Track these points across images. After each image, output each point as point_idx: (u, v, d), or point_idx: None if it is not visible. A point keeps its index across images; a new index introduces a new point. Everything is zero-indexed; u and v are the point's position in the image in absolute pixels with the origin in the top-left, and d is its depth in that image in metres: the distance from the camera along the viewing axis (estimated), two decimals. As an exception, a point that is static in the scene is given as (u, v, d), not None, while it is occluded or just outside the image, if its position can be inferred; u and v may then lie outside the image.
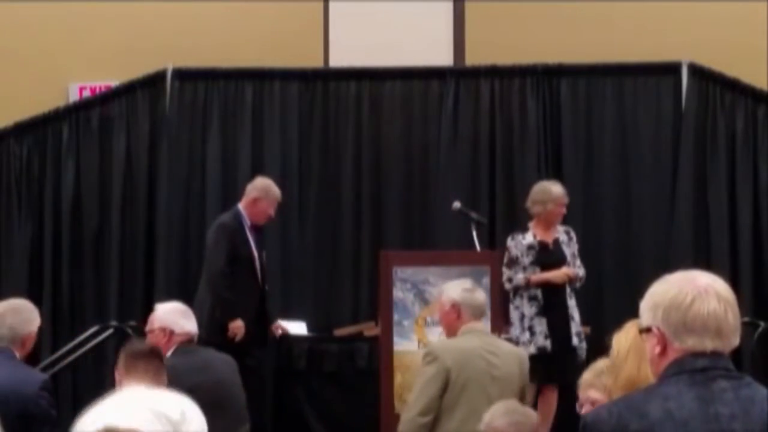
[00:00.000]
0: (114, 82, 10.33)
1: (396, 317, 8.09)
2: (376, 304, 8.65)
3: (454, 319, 6.24)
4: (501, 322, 8.49)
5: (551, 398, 8.66)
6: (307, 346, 9.54)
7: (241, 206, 9.00)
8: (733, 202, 9.97)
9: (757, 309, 9.66)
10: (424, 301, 8.16)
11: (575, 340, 8.65)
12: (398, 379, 7.97)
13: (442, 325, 6.45)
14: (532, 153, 10.10)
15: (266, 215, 9.00)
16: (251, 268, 8.86)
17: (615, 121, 10.18)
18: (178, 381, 5.58)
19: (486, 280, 8.21)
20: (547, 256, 8.71)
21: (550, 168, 10.09)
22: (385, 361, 8.04)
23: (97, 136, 10.24)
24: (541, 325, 8.61)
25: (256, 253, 8.89)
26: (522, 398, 6.16)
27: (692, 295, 2.95)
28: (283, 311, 9.97)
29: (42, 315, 9.86)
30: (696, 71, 10.08)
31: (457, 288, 6.30)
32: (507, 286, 8.70)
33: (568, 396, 8.46)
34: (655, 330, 3.00)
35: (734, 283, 9.72)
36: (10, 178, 10.21)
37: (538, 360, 8.45)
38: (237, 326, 8.62)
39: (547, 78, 10.19)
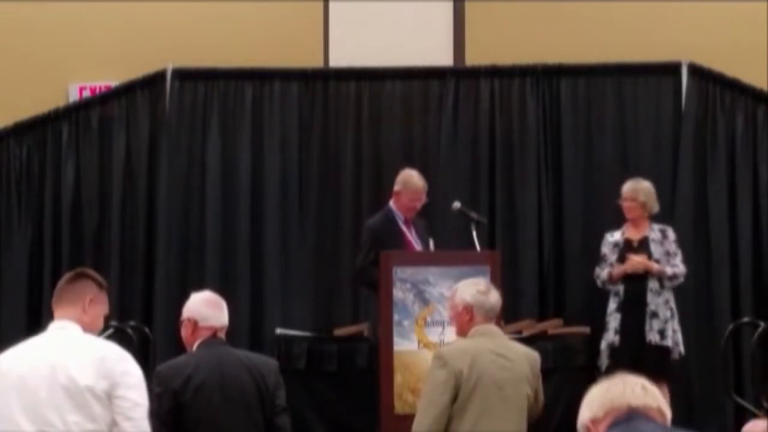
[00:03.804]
0: (114, 82, 10.33)
1: (396, 317, 8.09)
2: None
3: (466, 321, 6.10)
4: (500, 322, 8.47)
5: None
6: (307, 346, 9.54)
7: (391, 202, 8.92)
8: (733, 202, 9.97)
9: (757, 309, 9.66)
10: (424, 301, 8.16)
11: (655, 338, 8.76)
12: (398, 379, 7.97)
13: (454, 324, 6.28)
14: (532, 153, 10.10)
15: (409, 208, 8.83)
16: None
17: (615, 121, 10.18)
18: (185, 379, 5.58)
19: (486, 281, 8.21)
20: (629, 253, 8.90)
21: (550, 168, 10.10)
22: (385, 361, 8.05)
23: (97, 136, 10.24)
24: (615, 321, 8.83)
25: (416, 247, 8.73)
26: (535, 399, 6.13)
27: (622, 383, 3.45)
28: (283, 311, 9.99)
29: (42, 315, 10.01)
30: (696, 71, 10.08)
31: (470, 289, 6.16)
32: (597, 282, 9.00)
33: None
34: (589, 424, 3.44)
35: (734, 283, 9.76)
36: (10, 178, 10.21)
37: (608, 355, 8.78)
38: None
39: (547, 78, 10.19)
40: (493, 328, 6.13)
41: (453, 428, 5.87)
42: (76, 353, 4.69)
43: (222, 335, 5.85)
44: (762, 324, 9.12)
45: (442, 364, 5.93)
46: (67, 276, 4.99)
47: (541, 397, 6.15)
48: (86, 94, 10.44)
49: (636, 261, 8.82)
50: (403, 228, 8.80)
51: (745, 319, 9.48)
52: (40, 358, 4.70)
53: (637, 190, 9.04)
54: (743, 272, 9.84)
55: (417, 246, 8.75)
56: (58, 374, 4.64)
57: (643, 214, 9.03)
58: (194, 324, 5.79)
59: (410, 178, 8.92)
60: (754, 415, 8.14)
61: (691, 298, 9.30)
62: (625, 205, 9.05)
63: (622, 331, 8.76)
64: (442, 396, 5.87)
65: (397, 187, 8.89)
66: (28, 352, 4.76)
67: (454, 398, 5.88)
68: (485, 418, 5.85)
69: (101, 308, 4.95)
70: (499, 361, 5.96)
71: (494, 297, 6.16)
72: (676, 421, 9.61)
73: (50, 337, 4.82)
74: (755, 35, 9.98)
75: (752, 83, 10.04)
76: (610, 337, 8.81)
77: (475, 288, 6.17)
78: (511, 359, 6.01)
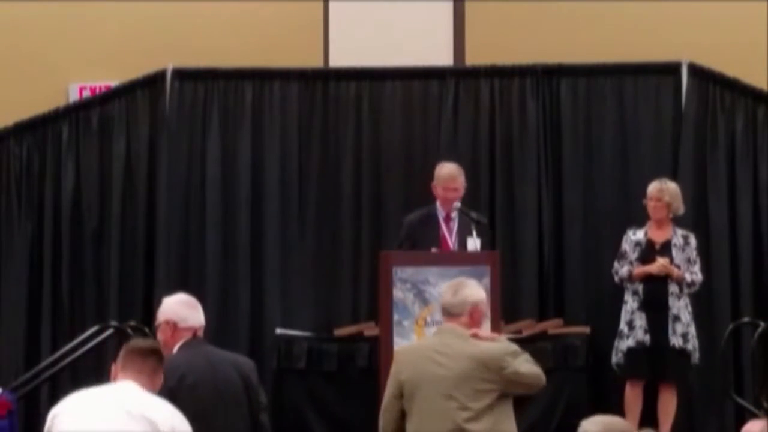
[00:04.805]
0: (114, 82, 10.33)
1: (396, 317, 8.10)
2: (376, 304, 8.65)
3: None
4: (499, 321, 8.48)
5: (664, 396, 8.86)
6: (307, 346, 9.55)
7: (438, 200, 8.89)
8: (733, 202, 9.97)
9: (757, 309, 9.66)
10: (424, 301, 8.17)
11: (678, 341, 8.81)
12: (398, 379, 7.97)
13: None
14: (532, 153, 10.10)
15: (446, 199, 8.76)
16: None
17: (615, 121, 10.18)
18: (178, 378, 5.59)
19: (486, 281, 8.21)
20: (651, 255, 8.92)
21: (550, 168, 10.10)
22: (385, 361, 8.04)
23: (97, 136, 10.24)
24: (641, 320, 8.83)
25: (450, 245, 8.69)
26: (515, 384, 5.98)
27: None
28: (283, 311, 9.98)
29: (42, 315, 10.01)
30: (696, 71, 10.08)
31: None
32: (615, 278, 9.03)
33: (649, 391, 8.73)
34: None
35: (734, 282, 9.76)
36: (10, 178, 10.21)
37: (635, 353, 8.78)
38: None
39: (547, 78, 10.19)
40: (446, 326, 6.07)
41: (406, 428, 5.95)
42: (148, 397, 4.85)
43: (201, 334, 5.90)
44: (762, 324, 9.12)
45: (394, 362, 6.10)
46: (139, 347, 5.05)
47: (525, 375, 5.90)
48: (86, 94, 10.45)
49: (661, 264, 8.81)
50: (442, 224, 8.78)
51: (745, 319, 9.48)
52: (107, 397, 4.82)
53: (663, 190, 9.04)
54: (743, 272, 9.84)
55: (451, 244, 8.71)
56: (125, 403, 4.75)
57: (668, 215, 9.05)
58: (173, 326, 5.88)
59: (440, 168, 8.90)
60: (754, 415, 8.14)
61: (692, 298, 9.29)
62: (651, 205, 9.04)
63: (650, 331, 8.77)
64: (388, 390, 6.02)
65: (433, 182, 8.89)
66: (91, 394, 4.86)
67: (401, 395, 5.96)
68: (428, 417, 5.86)
69: (161, 379, 5.10)
70: (435, 358, 5.93)
71: (447, 296, 6.11)
72: (676, 421, 9.62)
73: (116, 387, 4.92)
74: (755, 35, 9.98)
75: (752, 83, 10.04)
76: (640, 335, 8.78)
77: (445, 288, 6.26)
78: (449, 356, 5.93)
